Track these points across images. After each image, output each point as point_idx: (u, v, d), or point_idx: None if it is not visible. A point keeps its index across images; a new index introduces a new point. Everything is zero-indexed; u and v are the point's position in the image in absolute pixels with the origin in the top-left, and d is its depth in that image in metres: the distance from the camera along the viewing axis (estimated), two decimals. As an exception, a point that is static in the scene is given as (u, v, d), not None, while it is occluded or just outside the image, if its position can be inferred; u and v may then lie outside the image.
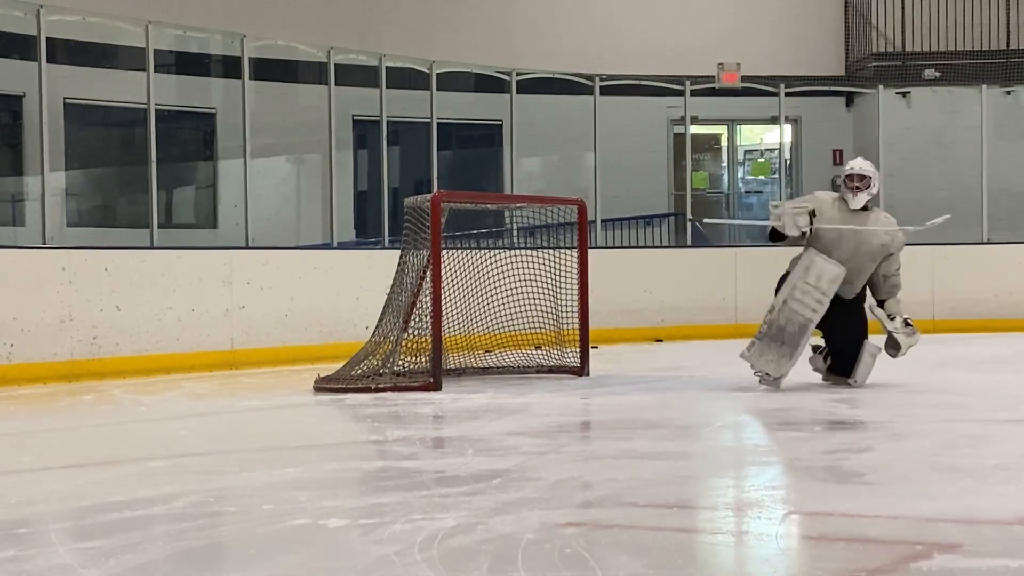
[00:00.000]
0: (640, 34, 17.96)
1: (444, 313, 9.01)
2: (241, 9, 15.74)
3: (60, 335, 9.72)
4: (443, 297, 8.94)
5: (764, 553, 4.00)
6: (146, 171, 11.35)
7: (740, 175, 18.92)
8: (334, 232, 12.77)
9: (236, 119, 12.39)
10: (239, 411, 8.24)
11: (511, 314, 10.00)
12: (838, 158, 17.56)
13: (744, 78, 16.12)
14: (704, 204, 18.04)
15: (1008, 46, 18.30)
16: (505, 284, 9.96)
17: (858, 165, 8.63)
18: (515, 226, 13.71)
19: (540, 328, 10.04)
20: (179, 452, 6.24)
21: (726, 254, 14.45)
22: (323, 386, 8.88)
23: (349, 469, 5.75)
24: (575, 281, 9.89)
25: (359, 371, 8.98)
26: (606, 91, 14.87)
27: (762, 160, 18.82)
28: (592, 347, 9.94)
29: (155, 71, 11.41)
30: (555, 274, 10.02)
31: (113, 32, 13.82)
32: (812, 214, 8.36)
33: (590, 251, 10.09)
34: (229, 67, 14.34)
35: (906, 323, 8.59)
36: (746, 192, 18.98)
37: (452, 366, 9.58)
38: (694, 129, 15.88)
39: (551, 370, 9.87)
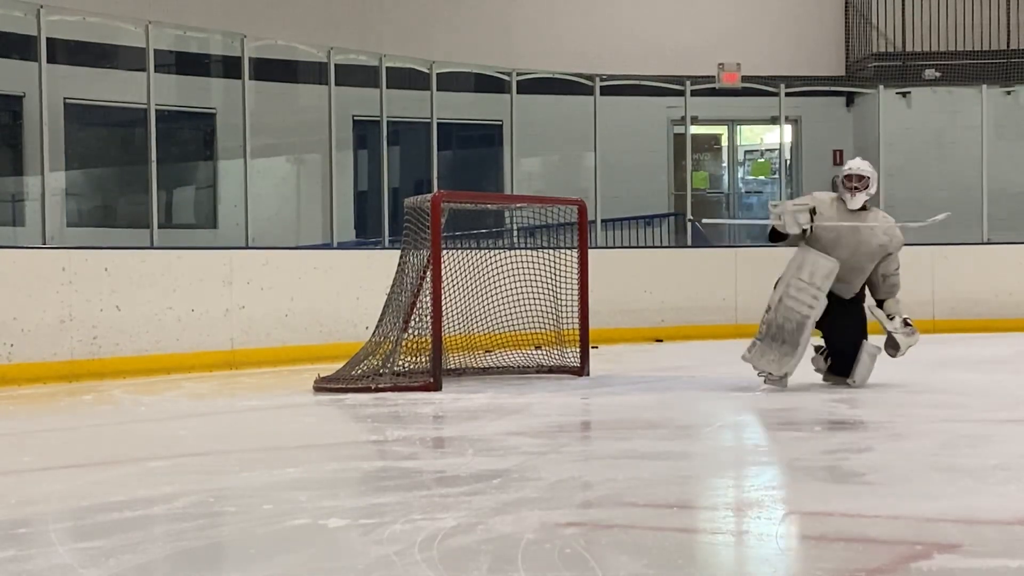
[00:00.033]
0: (640, 34, 17.96)
1: (444, 313, 9.01)
2: (241, 9, 15.74)
3: (60, 335, 9.72)
4: (443, 297, 8.94)
5: (764, 553, 4.00)
6: (146, 171, 11.35)
7: (740, 175, 18.92)
8: (334, 232, 12.78)
9: (236, 119, 12.39)
10: (239, 411, 8.24)
11: (511, 314, 10.00)
12: (838, 158, 17.55)
13: (744, 78, 16.12)
14: (704, 204, 18.04)
15: (1008, 46, 18.30)
16: (505, 284, 9.96)
17: (856, 165, 8.64)
18: (515, 226, 13.71)
19: (540, 328, 10.04)
20: (179, 452, 6.24)
21: (726, 254, 14.45)
22: (323, 386, 8.88)
23: (349, 469, 5.75)
24: (575, 281, 9.89)
25: (359, 371, 8.98)
26: (606, 91, 14.87)
27: (762, 160, 18.83)
28: (592, 347, 9.94)
29: (155, 71, 11.41)
30: (555, 274, 10.02)
31: (113, 32, 13.82)
32: (813, 212, 8.35)
33: (590, 251, 10.09)
34: (229, 67, 14.34)
35: (905, 323, 8.59)
36: (746, 192, 18.98)
37: (452, 366, 9.58)
38: (694, 129, 15.88)
39: (551, 370, 9.87)
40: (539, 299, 9.98)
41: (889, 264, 8.60)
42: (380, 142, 13.19)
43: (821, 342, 8.71)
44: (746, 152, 18.95)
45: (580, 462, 5.76)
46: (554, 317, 9.98)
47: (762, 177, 18.85)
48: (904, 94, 17.13)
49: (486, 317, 9.94)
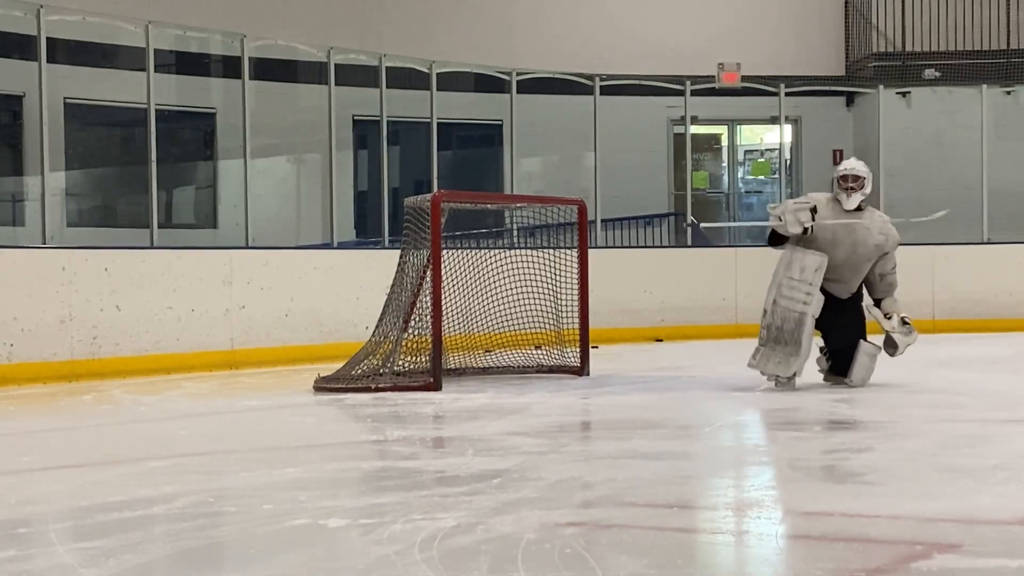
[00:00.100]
0: (640, 34, 17.96)
1: (444, 313, 9.01)
2: (241, 9, 15.74)
3: (60, 335, 9.72)
4: (443, 297, 8.94)
5: (764, 553, 4.00)
6: (146, 171, 11.35)
7: (740, 175, 18.92)
8: (334, 232, 12.78)
9: (236, 119, 12.40)
10: (239, 411, 8.24)
11: (511, 314, 10.00)
12: (838, 158, 17.54)
13: (744, 78, 16.12)
14: (704, 204, 18.05)
15: (1008, 46, 18.30)
16: (505, 284, 9.96)
17: (852, 166, 8.63)
18: (515, 226, 13.71)
19: (540, 328, 10.04)
20: (179, 452, 6.24)
21: (726, 254, 14.46)
22: (323, 386, 8.88)
23: (349, 469, 5.75)
24: (575, 281, 9.89)
25: (359, 371, 8.98)
26: (606, 91, 14.87)
27: (762, 160, 18.83)
28: (592, 347, 9.94)
29: (155, 71, 11.42)
30: (555, 274, 10.02)
31: (113, 32, 13.82)
32: (814, 210, 8.34)
33: (590, 251, 10.09)
34: (229, 67, 14.34)
35: (903, 322, 8.58)
36: (746, 192, 18.98)
37: (452, 366, 9.58)
38: (694, 129, 15.89)
39: (551, 370, 9.87)
40: (539, 299, 9.98)
41: (886, 263, 8.60)
42: (380, 142, 13.19)
43: (823, 342, 8.71)
44: (746, 152, 18.95)
45: (580, 462, 5.76)
46: (554, 317, 9.98)
47: (762, 177, 18.86)
48: (904, 94, 17.13)
49: (486, 317, 9.94)
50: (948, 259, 14.55)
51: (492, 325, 9.95)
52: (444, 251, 9.11)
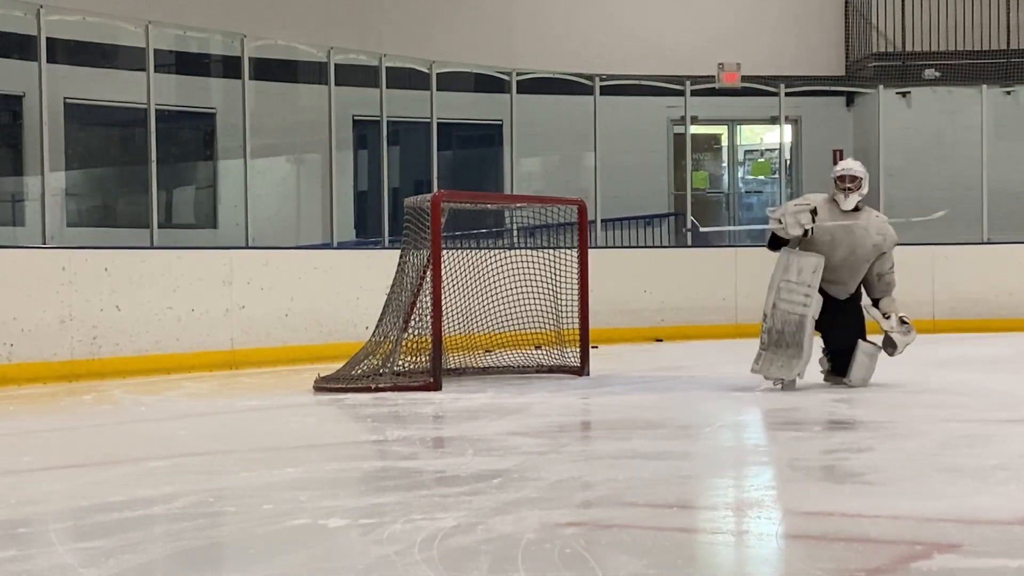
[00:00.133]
0: (640, 34, 17.96)
1: (444, 313, 9.01)
2: (241, 9, 15.74)
3: (60, 335, 9.72)
4: (443, 297, 8.95)
5: (764, 553, 4.00)
6: (146, 171, 11.35)
7: (740, 175, 18.92)
8: (334, 232, 12.78)
9: (236, 119, 12.40)
10: (239, 411, 8.24)
11: (511, 314, 10.00)
12: (838, 158, 17.53)
13: (744, 78, 16.12)
14: (704, 204, 18.05)
15: (1008, 46, 18.30)
16: (505, 284, 9.96)
17: (848, 166, 8.63)
18: (515, 226, 13.71)
19: (540, 328, 10.05)
20: (179, 452, 6.24)
21: (726, 254, 14.46)
22: (323, 386, 8.88)
23: (349, 469, 5.75)
24: (575, 281, 9.89)
25: (359, 371, 8.98)
26: (606, 91, 14.87)
27: (762, 160, 18.82)
28: (592, 347, 9.94)
29: (155, 71, 11.42)
30: (555, 274, 10.02)
31: (113, 32, 13.82)
32: (814, 212, 8.33)
33: (590, 251, 10.09)
34: (229, 67, 14.33)
35: (902, 321, 8.58)
36: (746, 192, 18.98)
37: (452, 366, 9.58)
38: (694, 129, 15.88)
39: (551, 370, 9.87)
40: (539, 299, 9.98)
41: (884, 263, 8.60)
42: (380, 142, 13.19)
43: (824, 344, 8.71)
44: (746, 152, 18.95)
45: (580, 462, 5.76)
46: (554, 317, 9.98)
47: (762, 177, 18.85)
48: (904, 94, 17.12)
49: (486, 317, 9.94)
50: (948, 259, 14.55)
51: (492, 325, 9.95)
52: (444, 251, 9.11)
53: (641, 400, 8.40)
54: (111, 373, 9.92)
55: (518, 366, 9.97)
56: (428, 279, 8.88)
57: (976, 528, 4.16)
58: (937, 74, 17.81)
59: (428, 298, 8.85)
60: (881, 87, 16.09)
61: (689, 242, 15.33)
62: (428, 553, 3.82)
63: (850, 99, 18.27)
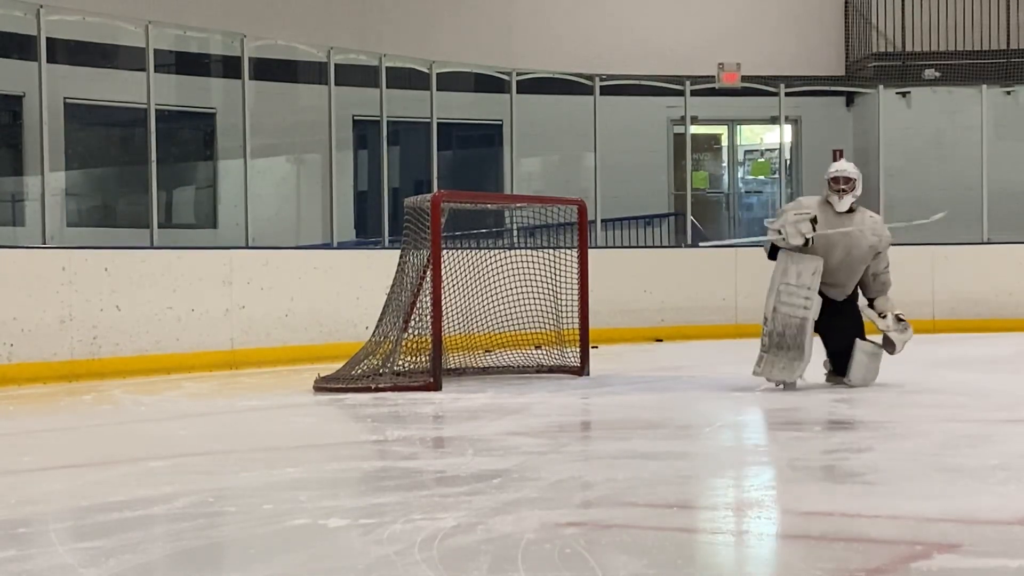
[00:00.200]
0: (640, 34, 17.96)
1: (444, 313, 9.01)
2: (241, 9, 15.74)
3: (60, 335, 9.72)
4: (443, 297, 8.95)
5: (764, 553, 4.00)
6: (146, 171, 11.35)
7: (740, 175, 18.92)
8: (334, 232, 12.78)
9: (236, 119, 12.40)
10: (239, 411, 8.24)
11: (511, 314, 10.00)
12: (837, 158, 17.53)
13: (744, 78, 16.12)
14: (704, 204, 18.05)
15: (1008, 46, 18.30)
16: (505, 284, 9.96)
17: (842, 167, 8.62)
18: (515, 226, 13.72)
19: (540, 328, 10.05)
20: (179, 452, 6.24)
21: (726, 254, 14.45)
22: (323, 386, 8.88)
23: (349, 469, 5.75)
24: (575, 281, 9.89)
25: (359, 371, 8.98)
26: (606, 91, 14.87)
27: (762, 160, 18.83)
28: (592, 347, 9.94)
29: (155, 71, 11.42)
30: (555, 274, 10.03)
31: (113, 32, 13.82)
32: (814, 221, 8.31)
33: (590, 251, 10.09)
34: (229, 67, 14.34)
35: (898, 319, 8.59)
36: (746, 192, 18.98)
37: (452, 366, 9.58)
38: (694, 129, 15.88)
39: (551, 370, 9.87)
40: (539, 299, 9.98)
41: (879, 262, 8.60)
42: (380, 142, 13.19)
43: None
44: (746, 152, 18.96)
45: (580, 462, 5.76)
46: (554, 317, 9.98)
47: (762, 177, 18.86)
48: (904, 94, 17.13)
49: (486, 317, 9.94)
50: (948, 259, 14.56)
51: (492, 325, 9.95)
52: (444, 251, 9.11)
53: (641, 400, 8.40)
54: (111, 373, 9.92)
55: (518, 366, 9.97)
56: (428, 279, 8.88)
57: (976, 528, 4.16)
58: (937, 74, 17.82)
59: (428, 298, 8.85)
60: (881, 87, 16.09)
61: (689, 242, 15.29)
62: (428, 553, 3.82)
63: (850, 99, 18.27)
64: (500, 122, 15.61)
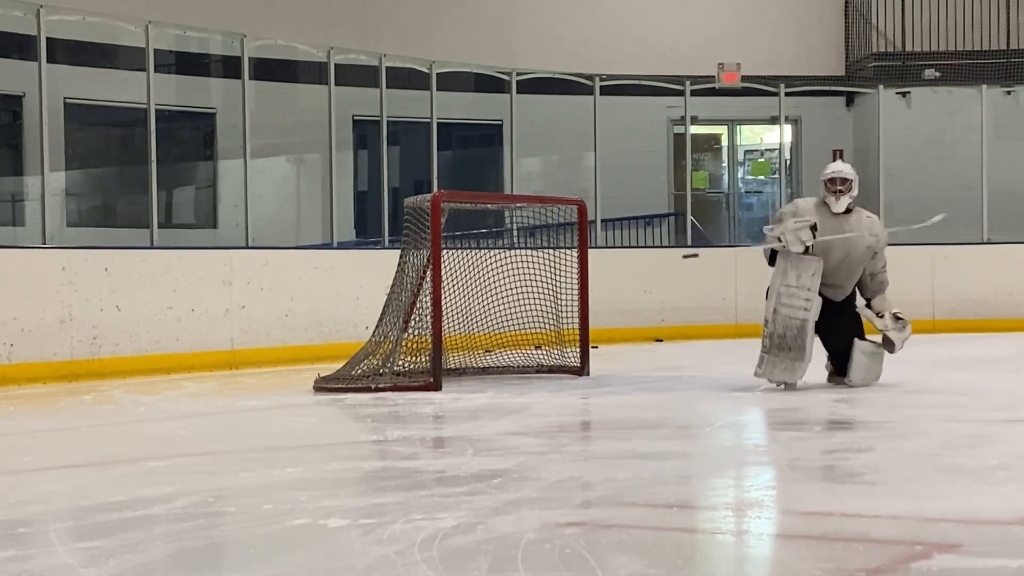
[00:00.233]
0: (640, 34, 17.96)
1: (444, 313, 9.01)
2: (241, 9, 15.74)
3: (60, 335, 9.72)
4: (443, 297, 8.95)
5: (764, 553, 4.00)
6: (146, 171, 11.35)
7: (740, 175, 18.92)
8: (334, 232, 12.78)
9: (236, 119, 12.39)
10: (239, 411, 8.24)
11: (511, 314, 10.01)
12: (836, 158, 17.51)
13: (744, 78, 16.12)
14: (704, 204, 18.05)
15: (1008, 46, 18.30)
16: (505, 284, 9.96)
17: (838, 168, 8.63)
18: (515, 226, 13.71)
19: (540, 328, 10.05)
20: (179, 452, 6.24)
21: (726, 254, 14.45)
22: (323, 386, 8.88)
23: (349, 469, 5.75)
24: (575, 281, 9.89)
25: (359, 371, 8.98)
26: (606, 91, 14.87)
27: (762, 160, 18.82)
28: (592, 347, 9.94)
29: (155, 71, 11.42)
30: (555, 274, 10.03)
31: (113, 32, 13.82)
32: (813, 227, 8.31)
33: (590, 251, 10.09)
34: (229, 67, 14.33)
35: (896, 318, 8.58)
36: (746, 192, 18.98)
37: (452, 366, 9.58)
38: (694, 129, 15.88)
39: (551, 370, 9.87)
40: (539, 299, 9.98)
41: (876, 262, 8.60)
42: (380, 142, 13.19)
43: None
44: (746, 152, 18.95)
45: (580, 462, 5.76)
46: (554, 317, 9.98)
47: (762, 177, 18.85)
48: (904, 94, 17.12)
49: (486, 317, 9.94)
50: (948, 259, 14.55)
51: (492, 325, 9.95)
52: (444, 251, 9.11)
53: (641, 400, 8.40)
54: (111, 373, 9.92)
55: (518, 366, 9.97)
56: (428, 279, 8.88)
57: (976, 528, 4.16)
58: (937, 74, 17.82)
59: (428, 298, 8.85)
60: (881, 87, 16.09)
61: (689, 242, 15.26)
62: (428, 553, 3.82)
63: (850, 99, 18.27)
64: (500, 122, 15.60)
